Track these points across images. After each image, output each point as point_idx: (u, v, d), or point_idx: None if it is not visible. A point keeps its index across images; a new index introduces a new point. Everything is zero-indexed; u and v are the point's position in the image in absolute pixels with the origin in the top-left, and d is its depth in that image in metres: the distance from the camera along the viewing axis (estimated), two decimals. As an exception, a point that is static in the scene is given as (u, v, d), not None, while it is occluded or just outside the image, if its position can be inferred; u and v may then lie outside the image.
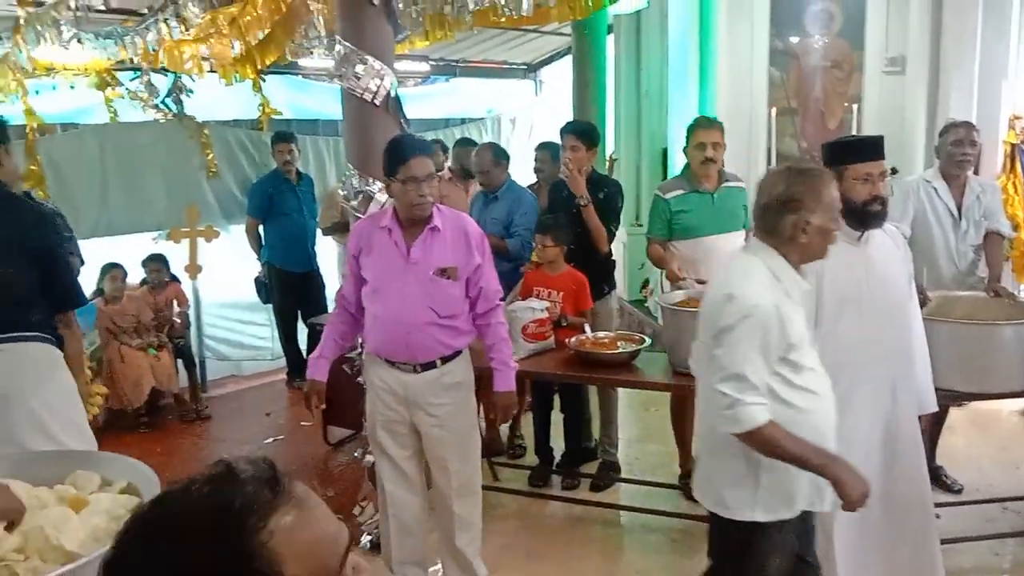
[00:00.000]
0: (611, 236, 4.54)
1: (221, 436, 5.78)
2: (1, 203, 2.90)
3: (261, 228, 6.43)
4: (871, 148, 2.94)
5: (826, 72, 6.40)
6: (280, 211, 6.33)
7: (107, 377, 5.63)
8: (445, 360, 3.16)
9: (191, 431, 5.83)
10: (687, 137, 4.30)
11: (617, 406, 4.76)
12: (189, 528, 0.82)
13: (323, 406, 3.48)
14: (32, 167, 5.36)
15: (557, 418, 4.78)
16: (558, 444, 4.79)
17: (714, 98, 6.38)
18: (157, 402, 5.97)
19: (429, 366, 3.13)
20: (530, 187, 5.41)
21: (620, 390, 4.76)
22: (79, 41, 4.32)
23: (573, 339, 4.06)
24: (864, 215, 2.87)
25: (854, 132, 5.93)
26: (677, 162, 6.49)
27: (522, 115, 9.39)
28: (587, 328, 4.23)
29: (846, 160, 2.89)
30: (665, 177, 7.13)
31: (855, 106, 6.13)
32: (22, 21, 3.95)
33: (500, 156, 5.16)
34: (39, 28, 3.90)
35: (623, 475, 4.65)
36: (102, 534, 1.93)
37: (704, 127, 4.25)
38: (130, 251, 6.01)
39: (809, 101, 6.45)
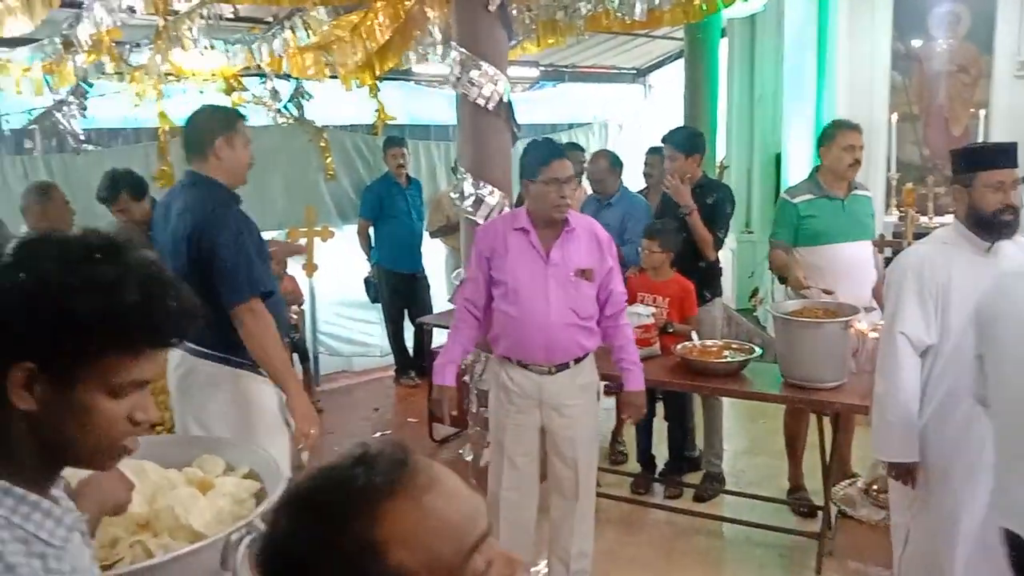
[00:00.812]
0: (719, 243, 4.47)
1: (331, 428, 5.95)
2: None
3: (372, 230, 6.61)
4: (1004, 155, 2.81)
5: (951, 77, 6.11)
6: (390, 214, 6.49)
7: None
8: (578, 361, 3.20)
9: (303, 423, 6.04)
10: (823, 140, 4.18)
11: (722, 416, 4.68)
12: (317, 504, 0.88)
13: (455, 412, 3.53)
14: (163, 168, 5.67)
15: (660, 426, 4.74)
16: (660, 452, 4.74)
17: (832, 103, 6.19)
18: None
19: (563, 367, 3.17)
20: (640, 192, 5.39)
21: (726, 400, 4.67)
22: (210, 48, 4.56)
23: (679, 346, 4.02)
24: (994, 225, 2.74)
25: (980, 139, 5.64)
26: (791, 168, 6.33)
27: (630, 120, 9.34)
28: (694, 335, 4.17)
29: (977, 167, 2.77)
30: (778, 183, 6.96)
31: (982, 112, 5.83)
32: (161, 29, 4.20)
33: (615, 164, 5.16)
34: (175, 36, 4.13)
35: (728, 487, 4.57)
36: (226, 516, 2.04)
37: (850, 129, 4.13)
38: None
39: (932, 107, 6.17)
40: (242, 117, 3.14)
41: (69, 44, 4.08)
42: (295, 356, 6.24)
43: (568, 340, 3.16)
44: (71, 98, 4.97)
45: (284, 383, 2.94)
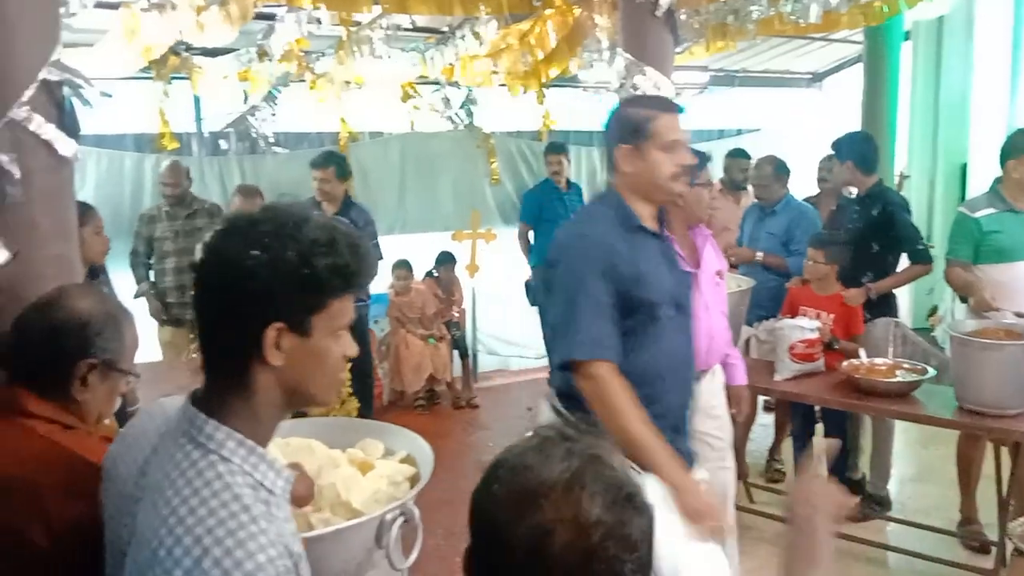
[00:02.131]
0: (920, 259, 4.27)
1: (487, 425, 6.13)
2: None
3: (531, 234, 6.72)
4: None
5: None
6: (549, 218, 6.56)
7: (392, 361, 6.19)
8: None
9: (461, 417, 6.25)
10: (1010, 152, 3.89)
11: (892, 440, 4.43)
12: None
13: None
14: (342, 169, 6.01)
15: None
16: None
17: (1028, 111, 5.74)
18: (433, 388, 6.46)
19: (704, 372, 3.13)
20: (809, 199, 5.20)
21: (897, 423, 4.42)
22: (388, 56, 4.81)
23: (846, 363, 3.84)
24: None
25: None
26: (978, 179, 5.91)
27: (803, 126, 9.00)
28: (862, 353, 3.98)
29: None
30: (963, 195, 6.52)
31: None
32: (344, 39, 4.48)
33: (781, 170, 5.01)
34: (357, 46, 4.39)
35: (893, 514, 4.32)
36: (383, 496, 2.16)
37: None
38: (420, 248, 6.56)
39: None
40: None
41: (263, 53, 4.42)
42: (455, 353, 6.48)
43: (724, 343, 3.22)
44: (263, 104, 5.37)
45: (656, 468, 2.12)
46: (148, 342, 4.89)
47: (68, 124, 1.95)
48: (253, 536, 1.05)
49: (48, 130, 1.88)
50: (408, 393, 6.27)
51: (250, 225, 1.16)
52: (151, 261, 5.27)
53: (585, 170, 7.43)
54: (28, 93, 1.85)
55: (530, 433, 1.06)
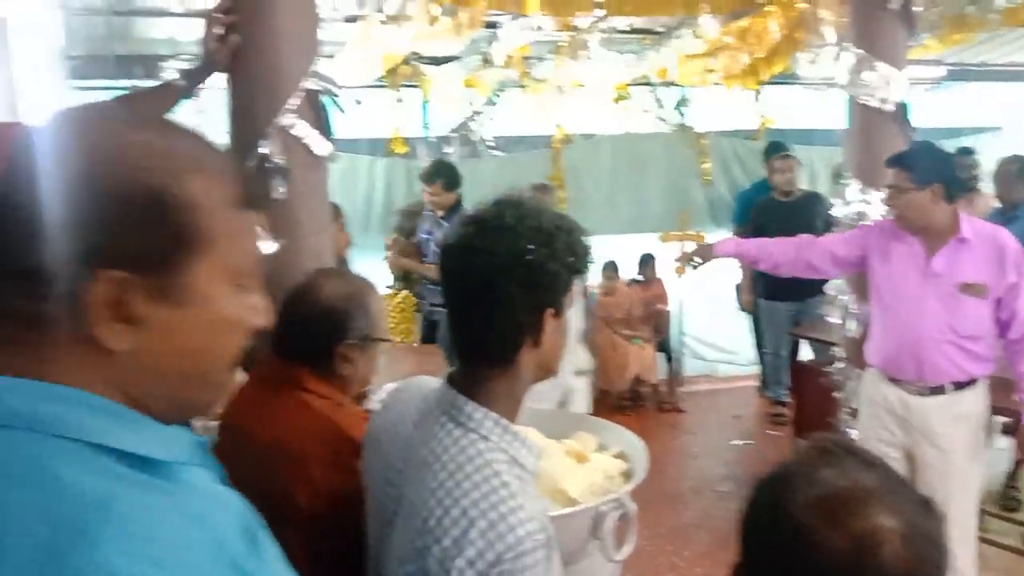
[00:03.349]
0: None
1: (692, 430, 6.04)
2: None
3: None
4: None
5: None
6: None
7: (598, 360, 6.26)
8: (959, 386, 2.92)
9: (665, 420, 6.20)
10: None
11: None
12: None
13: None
14: (556, 171, 6.17)
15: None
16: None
17: None
18: (638, 389, 6.46)
19: (938, 390, 2.91)
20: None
21: None
22: (604, 59, 4.88)
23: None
24: None
25: None
26: None
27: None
28: None
29: None
30: None
31: None
32: (564, 44, 4.60)
33: None
34: (576, 49, 4.49)
35: None
36: (598, 489, 2.21)
37: None
38: (629, 249, 6.58)
39: None
40: None
41: (487, 60, 4.62)
42: (660, 355, 6.44)
43: (942, 358, 2.88)
44: (483, 108, 5.61)
45: None
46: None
47: (324, 128, 2.16)
48: (513, 511, 1.13)
49: (308, 133, 2.09)
50: (612, 393, 6.30)
51: (517, 221, 1.24)
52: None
53: (806, 171, 7.12)
54: (293, 101, 2.07)
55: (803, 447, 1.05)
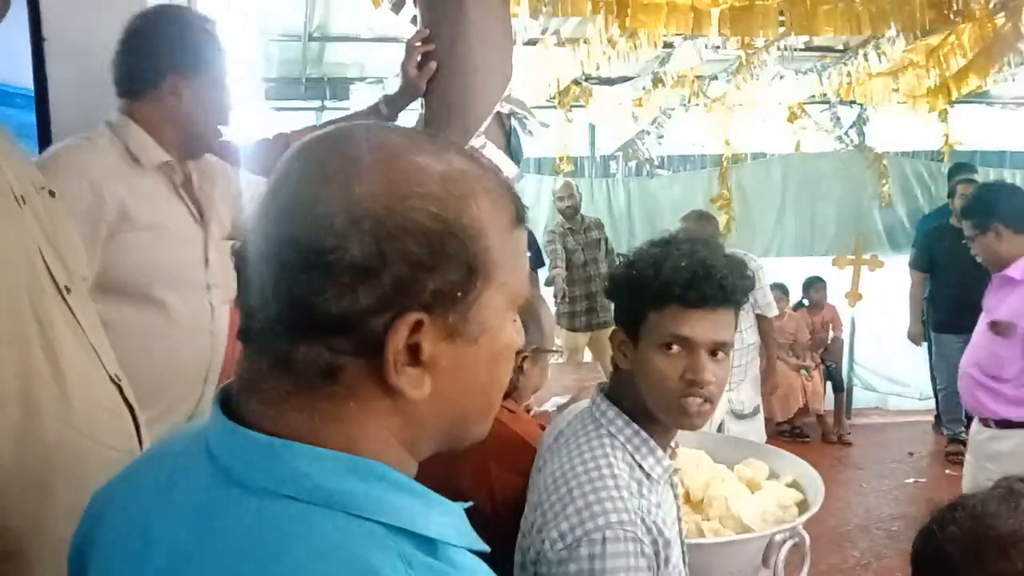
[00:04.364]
0: None
1: (860, 464, 5.76)
2: None
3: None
4: None
5: None
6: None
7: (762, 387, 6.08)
8: (998, 424, 2.85)
9: (831, 452, 5.94)
10: None
11: None
12: None
13: None
14: (724, 191, 6.07)
15: None
16: None
17: None
18: (803, 419, 6.23)
19: (986, 422, 2.91)
20: None
21: None
22: (781, 78, 4.78)
23: None
24: None
25: None
26: None
27: None
28: None
29: None
30: None
31: None
32: (741, 62, 4.54)
33: None
34: (753, 68, 4.43)
35: None
36: (770, 517, 2.18)
37: None
38: (799, 272, 6.38)
39: None
40: None
41: (658, 80, 4.63)
42: (829, 385, 6.19)
43: (968, 396, 2.94)
44: (651, 128, 5.62)
45: None
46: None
47: (513, 151, 2.25)
48: (612, 498, 1.21)
49: (497, 155, 2.18)
50: (774, 422, 6.09)
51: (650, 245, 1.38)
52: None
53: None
54: (484, 124, 2.17)
55: (995, 481, 1.04)
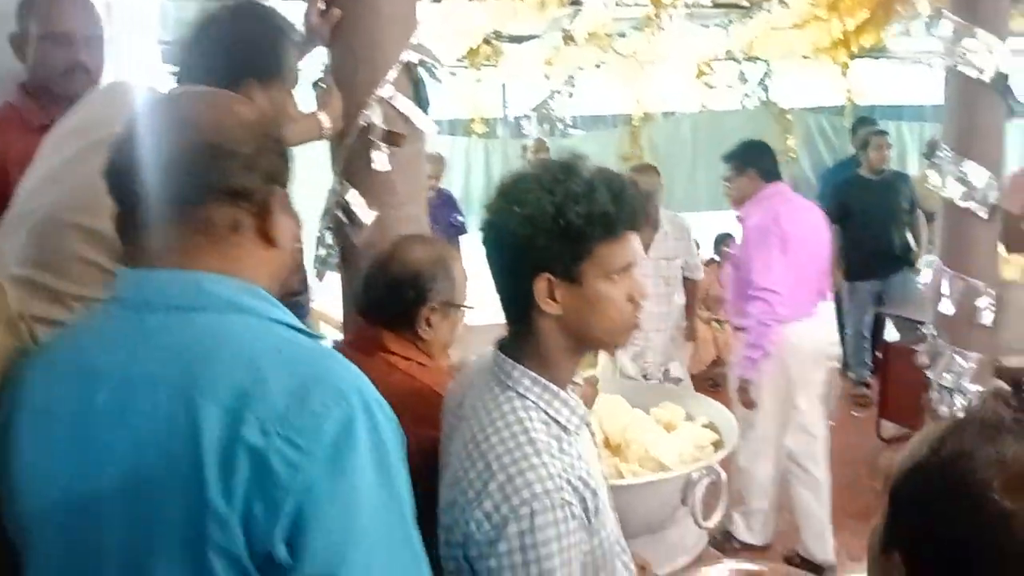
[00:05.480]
0: None
1: (771, 411, 5.96)
2: None
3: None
4: None
5: None
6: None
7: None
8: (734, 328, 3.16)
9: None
10: None
11: None
12: None
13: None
14: (636, 149, 6.14)
15: None
16: None
17: None
18: (716, 368, 6.39)
19: None
20: None
21: None
22: (691, 33, 4.81)
23: None
24: None
25: None
26: None
27: None
28: None
29: None
30: None
31: None
32: (649, 17, 4.56)
33: None
34: (661, 22, 4.45)
35: None
36: (687, 457, 2.24)
37: None
38: (710, 228, 6.50)
39: None
40: None
41: (569, 38, 4.62)
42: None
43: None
44: (562, 87, 5.61)
45: None
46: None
47: (421, 102, 2.21)
48: (534, 467, 1.17)
49: (407, 106, 2.14)
50: (691, 375, 6.23)
51: (515, 183, 1.26)
52: None
53: (895, 148, 6.92)
54: (392, 73, 2.12)
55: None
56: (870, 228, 5.48)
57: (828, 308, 4.01)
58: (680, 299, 4.31)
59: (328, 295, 2.73)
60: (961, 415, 0.91)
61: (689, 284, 4.35)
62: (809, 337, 3.57)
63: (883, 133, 5.66)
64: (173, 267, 0.95)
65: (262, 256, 1.00)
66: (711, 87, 6.34)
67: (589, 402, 2.01)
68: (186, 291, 0.94)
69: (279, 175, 1.02)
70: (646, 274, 3.89)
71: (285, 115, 1.76)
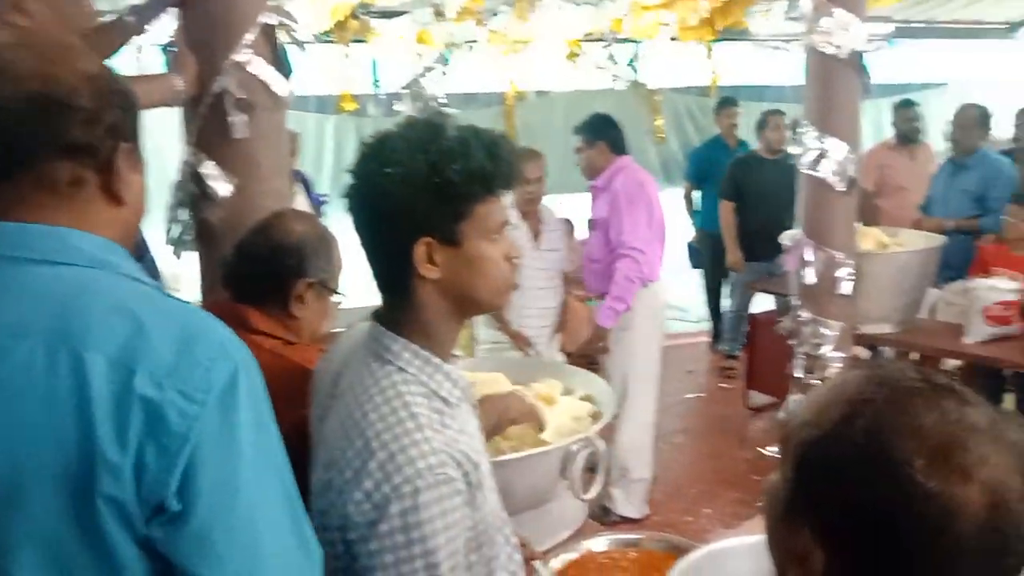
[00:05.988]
0: None
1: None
2: None
3: (698, 194, 6.51)
4: None
5: None
6: (715, 178, 6.32)
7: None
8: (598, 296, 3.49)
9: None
10: None
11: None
12: None
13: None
14: (508, 129, 6.11)
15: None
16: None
17: None
18: (593, 349, 6.47)
19: None
20: (1004, 152, 4.85)
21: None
22: (561, 10, 4.81)
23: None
24: None
25: None
26: None
27: (995, 81, 8.34)
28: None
29: None
30: None
31: None
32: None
33: (984, 120, 4.68)
34: (532, 1, 4.42)
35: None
36: (566, 430, 2.22)
37: None
38: (584, 208, 6.56)
39: None
40: None
41: (439, 13, 4.53)
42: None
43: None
44: (435, 65, 5.50)
45: None
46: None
47: (282, 67, 2.08)
48: (416, 443, 1.11)
49: (266, 71, 2.02)
50: (566, 355, 6.29)
51: (382, 143, 1.19)
52: None
53: (755, 127, 7.18)
54: (249, 36, 1.99)
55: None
56: (763, 208, 5.37)
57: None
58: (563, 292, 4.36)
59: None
60: (859, 377, 0.83)
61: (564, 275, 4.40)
62: (663, 299, 4.04)
63: (780, 113, 5.62)
64: (21, 223, 0.95)
65: (112, 214, 0.99)
66: (578, 67, 6.37)
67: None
68: (51, 245, 0.94)
69: (123, 129, 0.99)
70: (536, 267, 3.90)
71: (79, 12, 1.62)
